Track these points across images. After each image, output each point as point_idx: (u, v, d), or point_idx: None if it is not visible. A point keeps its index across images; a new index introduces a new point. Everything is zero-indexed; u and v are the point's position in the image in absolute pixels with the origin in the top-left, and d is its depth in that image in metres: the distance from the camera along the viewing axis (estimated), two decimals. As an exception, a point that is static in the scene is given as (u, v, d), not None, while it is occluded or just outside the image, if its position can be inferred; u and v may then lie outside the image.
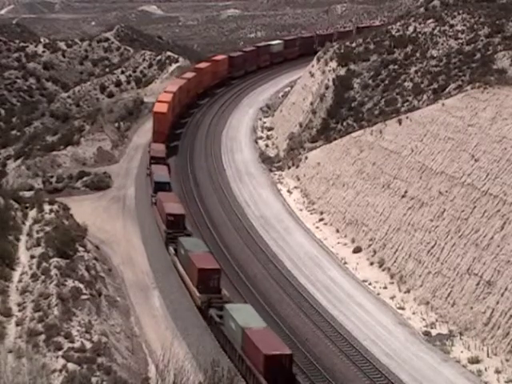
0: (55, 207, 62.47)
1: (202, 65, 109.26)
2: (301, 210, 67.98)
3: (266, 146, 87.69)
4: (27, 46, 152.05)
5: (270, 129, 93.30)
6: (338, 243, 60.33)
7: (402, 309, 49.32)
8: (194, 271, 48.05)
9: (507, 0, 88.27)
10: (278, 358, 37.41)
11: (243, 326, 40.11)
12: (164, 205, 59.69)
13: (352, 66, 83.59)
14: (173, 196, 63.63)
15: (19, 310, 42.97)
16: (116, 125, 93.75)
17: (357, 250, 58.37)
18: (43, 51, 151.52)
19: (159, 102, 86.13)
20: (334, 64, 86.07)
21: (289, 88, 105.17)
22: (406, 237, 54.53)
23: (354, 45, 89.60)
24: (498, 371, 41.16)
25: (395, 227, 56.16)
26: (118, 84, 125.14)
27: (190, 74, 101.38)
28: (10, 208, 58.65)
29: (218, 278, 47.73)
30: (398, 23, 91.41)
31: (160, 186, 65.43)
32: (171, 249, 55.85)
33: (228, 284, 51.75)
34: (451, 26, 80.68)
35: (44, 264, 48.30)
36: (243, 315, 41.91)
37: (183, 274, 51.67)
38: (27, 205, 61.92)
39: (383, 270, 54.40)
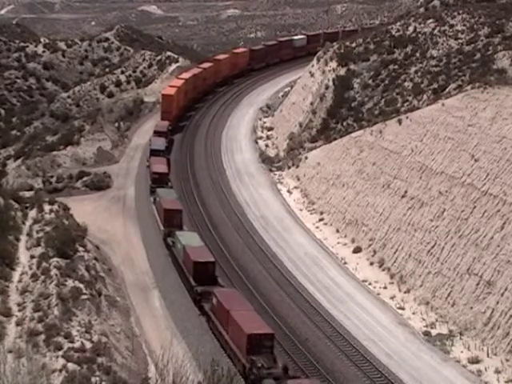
0: (55, 207, 62.45)
1: (221, 56, 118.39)
2: (301, 209, 67.98)
3: (266, 146, 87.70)
4: (27, 46, 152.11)
5: (270, 129, 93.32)
6: (338, 243, 60.32)
7: (402, 309, 49.32)
8: (162, 211, 59.86)
9: (507, 0, 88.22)
10: (203, 263, 49.61)
11: (184, 244, 52.17)
12: (152, 165, 71.72)
13: (352, 66, 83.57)
14: (162, 160, 73.52)
15: (19, 310, 42.92)
16: (116, 125, 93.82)
17: (357, 250, 58.36)
18: (43, 51, 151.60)
19: (170, 86, 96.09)
20: (334, 64, 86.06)
21: (289, 88, 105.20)
22: (405, 237, 54.53)
23: (354, 45, 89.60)
24: (497, 371, 41.16)
25: (395, 227, 56.16)
26: (118, 84, 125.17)
27: (206, 64, 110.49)
28: (10, 208, 58.59)
29: (180, 217, 59.35)
30: (398, 23, 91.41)
31: (155, 153, 75.76)
32: (151, 198, 67.03)
33: (227, 283, 51.77)
34: (451, 26, 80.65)
35: (44, 264, 48.26)
36: (187, 238, 53.98)
37: (156, 215, 63.01)
38: (27, 205, 61.88)
39: (383, 270, 54.41)
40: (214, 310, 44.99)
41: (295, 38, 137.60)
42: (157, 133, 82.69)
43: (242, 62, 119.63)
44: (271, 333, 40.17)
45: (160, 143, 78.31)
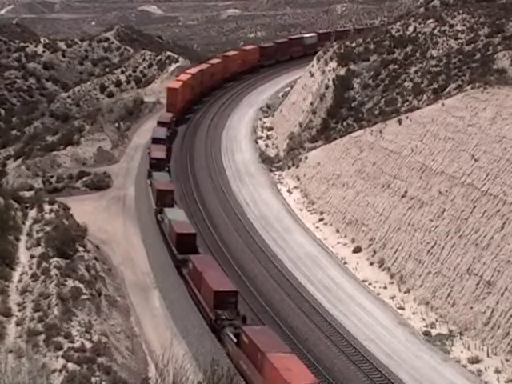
0: (55, 207, 62.42)
1: (230, 53, 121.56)
2: (301, 209, 67.97)
3: (266, 146, 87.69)
4: (27, 46, 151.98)
5: (270, 129, 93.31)
6: (338, 243, 60.32)
7: (402, 309, 49.31)
8: (155, 192, 65.89)
9: (507, 0, 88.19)
10: (185, 235, 55.33)
11: (170, 219, 58.13)
12: (151, 152, 76.77)
13: (352, 66, 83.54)
14: (161, 147, 77.88)
15: (19, 310, 42.93)
16: (116, 125, 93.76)
17: (357, 250, 58.36)
18: (43, 51, 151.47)
19: (176, 80, 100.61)
20: (334, 64, 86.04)
21: (289, 88, 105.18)
22: (406, 237, 54.53)
23: (354, 45, 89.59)
24: (497, 371, 41.17)
25: (395, 227, 56.16)
26: (118, 84, 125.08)
27: (215, 60, 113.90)
28: (10, 208, 58.57)
29: (171, 196, 64.68)
30: (398, 23, 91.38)
31: (155, 141, 79.91)
32: (148, 181, 71.93)
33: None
34: (451, 26, 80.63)
35: (44, 264, 48.26)
36: (173, 214, 59.90)
37: (151, 196, 68.54)
38: (27, 205, 61.85)
39: (383, 270, 54.41)
40: (190, 273, 51.16)
41: (306, 35, 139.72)
42: (160, 123, 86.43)
43: (251, 58, 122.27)
44: (235, 290, 46.64)
45: (161, 132, 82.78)
